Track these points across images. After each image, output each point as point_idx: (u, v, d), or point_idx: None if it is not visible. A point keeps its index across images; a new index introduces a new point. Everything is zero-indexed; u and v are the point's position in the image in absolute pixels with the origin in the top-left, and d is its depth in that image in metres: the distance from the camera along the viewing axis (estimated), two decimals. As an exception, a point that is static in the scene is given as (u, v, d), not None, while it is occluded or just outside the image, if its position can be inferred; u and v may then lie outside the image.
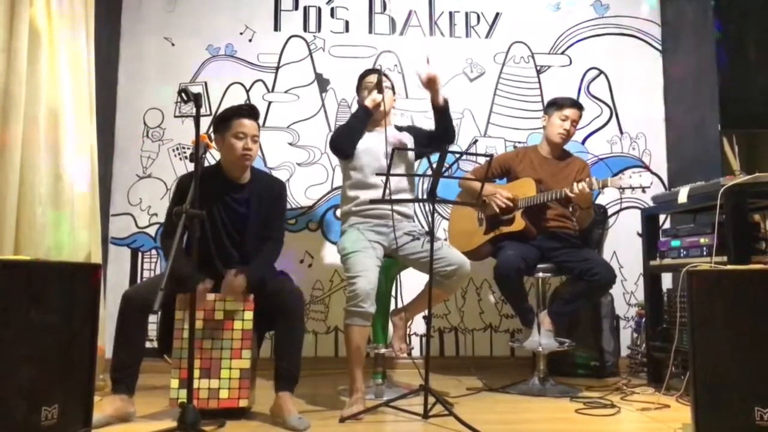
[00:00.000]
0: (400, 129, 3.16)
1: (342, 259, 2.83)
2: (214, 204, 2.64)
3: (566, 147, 3.41)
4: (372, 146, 2.97)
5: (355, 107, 3.96)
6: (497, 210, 3.20)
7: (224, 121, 2.67)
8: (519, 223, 3.18)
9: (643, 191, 2.93)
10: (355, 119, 3.00)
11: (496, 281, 3.14)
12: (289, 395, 2.47)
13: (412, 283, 3.23)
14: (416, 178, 3.40)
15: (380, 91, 2.96)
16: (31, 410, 1.94)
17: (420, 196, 3.92)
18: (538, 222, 3.22)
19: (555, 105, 3.33)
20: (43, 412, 1.97)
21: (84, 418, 2.15)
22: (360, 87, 3.12)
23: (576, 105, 3.33)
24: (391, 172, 2.62)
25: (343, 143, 2.98)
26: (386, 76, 3.07)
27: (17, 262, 2.02)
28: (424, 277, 2.72)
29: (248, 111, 2.70)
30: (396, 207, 2.98)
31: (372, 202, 2.85)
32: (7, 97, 2.55)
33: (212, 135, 2.74)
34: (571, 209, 3.18)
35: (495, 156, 3.41)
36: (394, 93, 3.11)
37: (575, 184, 2.98)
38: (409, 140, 3.09)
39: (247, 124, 2.65)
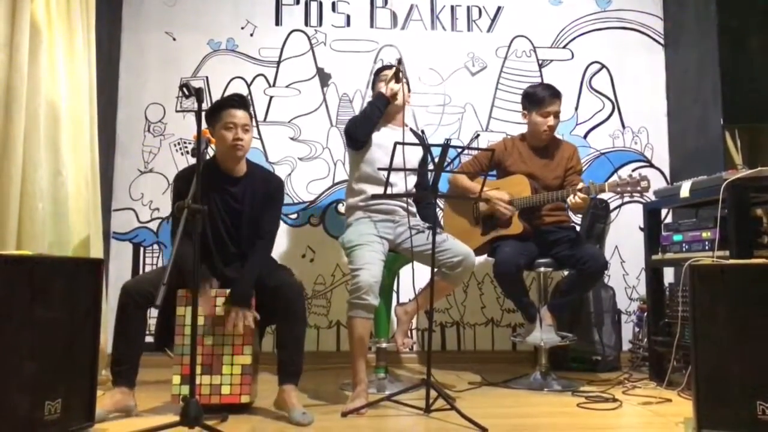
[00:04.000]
0: (415, 134, 3.17)
1: (346, 252, 2.84)
2: (211, 198, 2.63)
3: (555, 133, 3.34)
4: (386, 142, 2.92)
5: (356, 102, 3.98)
6: (504, 214, 3.17)
7: (214, 113, 2.64)
8: (517, 226, 3.16)
9: (641, 196, 2.92)
10: (372, 107, 2.96)
11: (496, 279, 3.13)
12: (293, 388, 2.48)
13: (415, 277, 3.22)
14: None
15: (398, 81, 2.93)
16: (34, 405, 1.94)
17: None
18: (533, 219, 3.21)
19: (533, 102, 3.22)
20: (46, 406, 1.97)
21: (87, 413, 2.16)
22: (376, 81, 3.10)
23: (554, 95, 3.22)
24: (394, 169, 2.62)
25: (359, 130, 2.94)
26: (403, 72, 3.05)
27: (20, 257, 2.02)
28: (428, 271, 2.71)
29: (238, 101, 2.66)
30: (401, 203, 2.98)
31: (374, 197, 2.85)
32: (9, 92, 2.54)
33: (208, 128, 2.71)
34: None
35: (482, 152, 3.40)
36: (410, 89, 3.11)
37: (572, 195, 2.95)
38: (418, 151, 3.10)
39: (237, 114, 2.62)
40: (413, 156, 3.04)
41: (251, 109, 2.73)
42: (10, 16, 2.57)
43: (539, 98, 3.20)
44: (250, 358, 2.48)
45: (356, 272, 2.68)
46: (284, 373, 2.50)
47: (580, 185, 2.98)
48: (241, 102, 2.67)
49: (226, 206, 2.68)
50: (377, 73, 3.13)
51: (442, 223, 3.48)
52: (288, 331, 2.55)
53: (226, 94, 3.92)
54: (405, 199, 2.99)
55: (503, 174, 3.32)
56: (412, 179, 3.06)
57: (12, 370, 1.89)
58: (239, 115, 2.63)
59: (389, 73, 3.00)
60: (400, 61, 3.00)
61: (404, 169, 2.96)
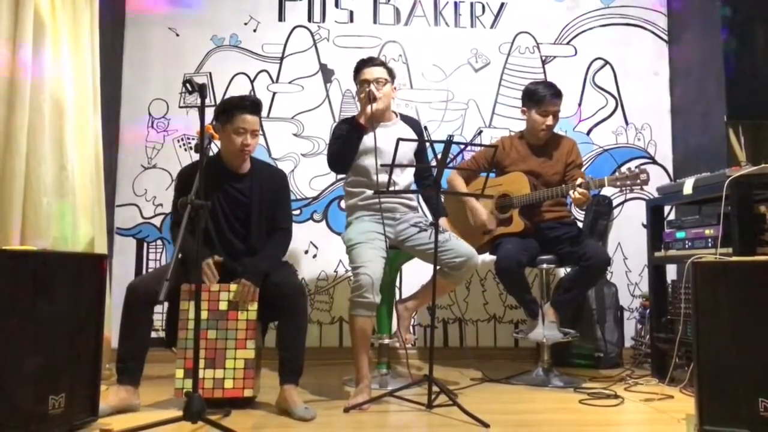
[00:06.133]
0: (405, 120, 3.13)
1: (347, 250, 2.84)
2: (216, 194, 2.64)
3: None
4: (373, 145, 2.89)
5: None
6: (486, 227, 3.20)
7: (226, 112, 2.65)
8: (518, 224, 3.16)
9: (641, 189, 2.91)
10: (347, 139, 2.90)
11: (498, 275, 3.14)
12: (293, 388, 2.48)
13: (417, 274, 3.23)
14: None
15: (374, 99, 2.86)
16: (38, 399, 1.96)
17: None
18: (533, 216, 3.21)
19: (534, 100, 3.21)
20: (50, 401, 1.99)
21: (91, 407, 2.17)
22: (357, 79, 3.03)
23: (555, 95, 3.20)
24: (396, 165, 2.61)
25: (339, 164, 2.97)
26: (384, 65, 3.02)
27: (24, 252, 2.03)
28: (430, 268, 2.72)
29: (251, 106, 2.66)
30: (401, 200, 2.98)
31: (376, 192, 2.85)
32: (12, 87, 2.55)
33: (213, 123, 2.69)
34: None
35: (480, 151, 3.40)
36: (393, 81, 3.03)
37: (572, 191, 2.93)
38: (411, 134, 3.06)
39: (249, 119, 2.63)
40: (408, 148, 2.99)
41: (262, 112, 2.74)
42: (14, 11, 2.57)
43: (539, 97, 3.19)
44: (253, 353, 2.49)
45: (357, 270, 2.69)
46: (285, 373, 2.51)
47: (579, 180, 2.98)
48: (254, 107, 2.67)
49: (233, 202, 2.68)
50: (357, 71, 3.02)
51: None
52: (289, 331, 2.55)
53: (230, 89, 3.95)
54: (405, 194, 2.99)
55: (502, 173, 3.32)
56: (408, 174, 3.04)
57: (16, 364, 1.90)
58: (251, 121, 2.64)
59: (368, 77, 2.93)
60: (370, 86, 2.90)
61: (405, 165, 2.97)
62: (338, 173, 3.03)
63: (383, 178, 2.79)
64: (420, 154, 3.10)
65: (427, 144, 3.12)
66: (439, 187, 2.67)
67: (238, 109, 2.64)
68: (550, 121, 3.20)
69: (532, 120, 3.23)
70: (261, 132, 3.83)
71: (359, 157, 2.95)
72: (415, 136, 3.06)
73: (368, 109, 2.86)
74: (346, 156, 2.93)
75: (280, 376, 2.51)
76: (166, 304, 2.58)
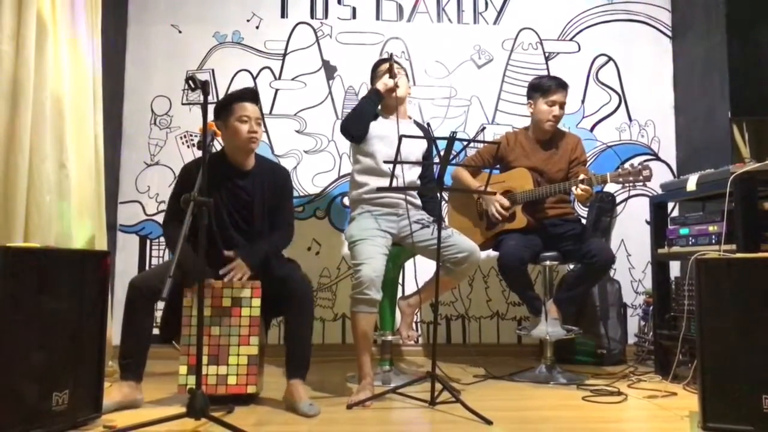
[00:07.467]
0: (419, 126, 3.18)
1: (349, 246, 2.85)
2: (218, 191, 2.64)
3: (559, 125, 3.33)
4: (386, 134, 2.94)
5: (362, 95, 3.98)
6: (496, 217, 3.18)
7: (226, 106, 2.66)
8: (521, 220, 3.16)
9: (644, 185, 2.90)
10: (365, 102, 2.99)
11: (500, 272, 3.13)
12: (300, 382, 2.49)
13: (420, 270, 3.23)
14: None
15: (392, 76, 2.94)
16: (42, 395, 1.96)
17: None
18: (536, 212, 3.20)
19: (539, 90, 3.22)
20: (54, 397, 1.99)
21: (94, 404, 2.18)
22: (374, 78, 3.12)
23: (561, 86, 3.21)
24: (400, 162, 2.62)
25: (352, 126, 2.96)
26: (399, 64, 3.07)
27: (28, 249, 2.03)
28: (433, 264, 2.72)
29: (250, 95, 2.70)
30: (404, 196, 2.99)
31: (379, 189, 2.85)
32: (16, 85, 2.55)
33: (215, 121, 2.69)
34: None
35: (485, 147, 3.40)
36: (408, 80, 3.13)
37: (575, 187, 2.93)
38: (421, 143, 3.08)
39: (250, 107, 2.66)
40: (416, 148, 3.04)
41: (260, 103, 2.76)
42: (17, 9, 2.57)
43: (546, 86, 3.20)
44: (256, 349, 2.49)
45: (358, 267, 2.69)
46: (292, 368, 2.52)
47: (581, 176, 2.97)
48: (253, 96, 2.71)
49: (235, 199, 2.68)
50: (374, 69, 3.15)
51: (446, 218, 3.47)
52: (297, 325, 2.56)
53: (232, 86, 3.95)
54: (407, 191, 3.00)
55: (506, 169, 3.32)
56: (414, 172, 3.06)
57: (20, 361, 1.91)
58: (252, 109, 2.66)
59: (385, 68, 3.01)
60: (391, 56, 3.02)
61: (410, 162, 2.97)
62: (348, 135, 3.01)
63: (389, 167, 2.81)
64: (428, 157, 3.14)
65: (429, 143, 3.13)
66: (441, 184, 2.67)
67: (237, 99, 2.67)
68: (556, 111, 3.19)
69: (539, 111, 3.23)
70: (264, 128, 3.84)
71: (371, 141, 2.96)
72: (424, 141, 3.08)
73: (387, 80, 2.94)
74: (360, 116, 2.95)
75: (287, 371, 2.52)
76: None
